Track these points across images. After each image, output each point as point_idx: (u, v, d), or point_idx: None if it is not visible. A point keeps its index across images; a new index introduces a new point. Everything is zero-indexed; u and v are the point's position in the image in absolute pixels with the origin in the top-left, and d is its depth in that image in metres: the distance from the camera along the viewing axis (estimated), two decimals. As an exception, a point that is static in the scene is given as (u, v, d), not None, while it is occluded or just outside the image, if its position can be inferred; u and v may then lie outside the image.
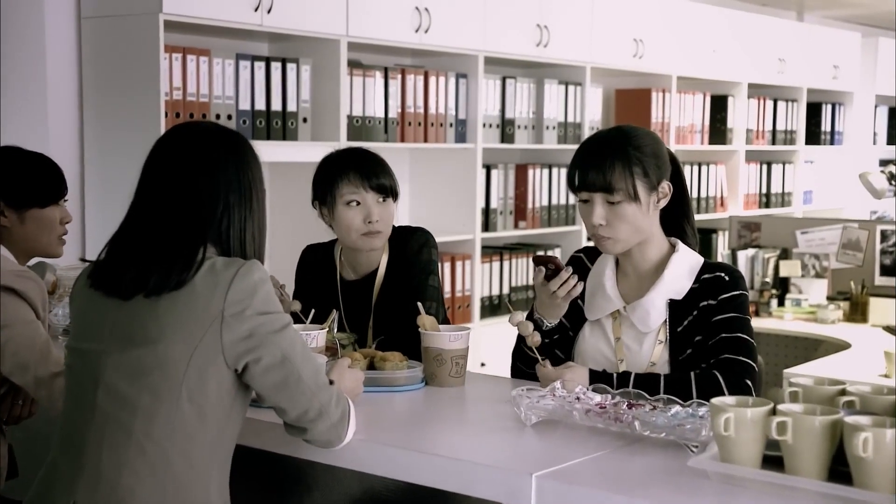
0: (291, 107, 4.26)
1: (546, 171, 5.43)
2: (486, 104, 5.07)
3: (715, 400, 1.82)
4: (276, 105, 4.22)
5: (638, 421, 2.02)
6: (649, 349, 2.46)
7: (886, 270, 5.28)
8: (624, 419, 2.06)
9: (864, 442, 1.60)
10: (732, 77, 6.57)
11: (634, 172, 2.39)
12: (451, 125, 4.92)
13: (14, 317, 2.38)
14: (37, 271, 2.85)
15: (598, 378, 2.35)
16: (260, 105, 4.17)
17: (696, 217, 2.71)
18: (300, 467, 2.31)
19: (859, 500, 1.63)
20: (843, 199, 7.65)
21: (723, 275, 2.45)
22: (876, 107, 7.99)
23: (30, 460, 2.51)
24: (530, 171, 5.35)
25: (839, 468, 1.68)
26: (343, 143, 4.29)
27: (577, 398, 2.16)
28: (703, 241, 6.31)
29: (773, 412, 1.75)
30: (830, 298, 5.23)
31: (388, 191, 2.84)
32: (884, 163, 6.67)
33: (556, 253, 5.47)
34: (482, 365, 4.83)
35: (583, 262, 2.63)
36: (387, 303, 2.86)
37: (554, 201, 5.49)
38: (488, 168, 5.16)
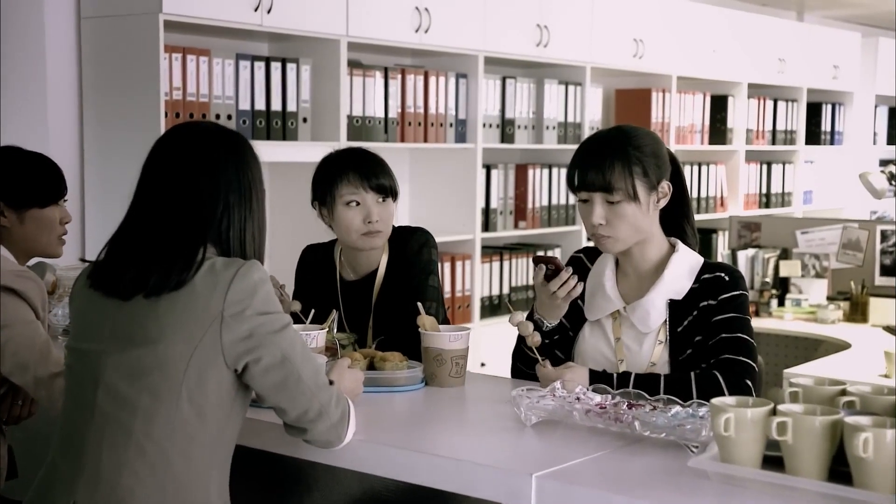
0: (291, 107, 4.26)
1: (546, 171, 5.43)
2: (486, 104, 5.07)
3: (715, 400, 1.81)
4: (276, 105, 4.22)
5: (638, 421, 2.02)
6: (649, 349, 2.46)
7: (886, 270, 5.28)
8: (624, 419, 2.06)
9: (865, 442, 1.60)
10: (732, 77, 6.57)
11: (634, 172, 2.39)
12: (451, 125, 4.92)
13: (14, 317, 2.38)
14: (36, 271, 2.85)
15: (598, 378, 2.35)
16: (260, 105, 4.17)
17: (696, 217, 2.71)
18: (300, 467, 2.31)
19: (859, 500, 1.63)
20: (843, 199, 7.65)
21: (723, 275, 2.45)
22: (876, 107, 7.99)
23: (29, 460, 2.51)
24: (530, 171, 5.35)
25: (839, 468, 1.68)
26: (343, 143, 4.29)
27: (577, 398, 2.16)
28: (703, 241, 6.31)
29: (774, 412, 1.75)
30: (830, 298, 5.23)
31: (388, 191, 2.84)
32: (884, 163, 6.67)
33: (556, 253, 5.47)
34: (482, 365, 4.83)
35: (582, 262, 2.63)
36: (387, 303, 2.86)
37: (554, 201, 5.49)
38: (488, 168, 5.16)
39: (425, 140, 4.82)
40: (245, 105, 4.12)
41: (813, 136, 7.43)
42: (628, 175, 2.38)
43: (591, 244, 2.56)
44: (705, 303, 2.43)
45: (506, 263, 5.27)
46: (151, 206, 1.94)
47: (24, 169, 2.62)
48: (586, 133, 5.48)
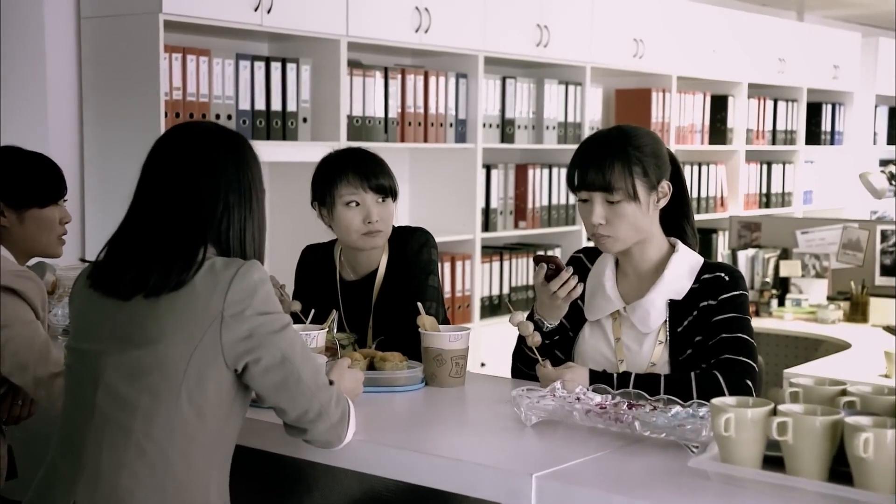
0: (291, 107, 4.26)
1: (546, 171, 5.43)
2: (486, 104, 5.07)
3: (715, 400, 1.81)
4: (276, 105, 4.22)
5: (638, 421, 2.02)
6: (649, 349, 2.46)
7: (887, 270, 5.28)
8: (624, 419, 2.06)
9: (865, 442, 1.60)
10: (732, 77, 6.57)
11: (634, 172, 2.39)
12: (451, 125, 4.92)
13: (14, 317, 2.38)
14: (36, 271, 2.85)
15: (599, 378, 2.35)
16: (260, 105, 4.17)
17: (696, 217, 2.71)
18: (300, 467, 2.30)
19: (860, 500, 1.63)
20: (844, 199, 7.65)
21: (723, 275, 2.45)
22: (876, 107, 7.99)
23: (29, 461, 2.51)
24: (530, 171, 5.35)
25: (840, 468, 1.68)
26: (343, 143, 4.29)
27: (578, 398, 2.16)
28: (703, 241, 6.31)
29: (774, 412, 1.75)
30: (831, 298, 5.23)
31: (388, 191, 2.84)
32: (884, 163, 6.67)
33: (557, 253, 5.46)
34: (482, 365, 4.83)
35: (582, 262, 2.63)
36: (387, 303, 2.86)
37: (554, 201, 5.48)
38: (488, 168, 5.16)
39: (425, 140, 4.82)
40: (245, 105, 4.12)
41: (813, 136, 7.43)
42: (628, 175, 2.38)
43: (591, 244, 2.56)
44: (705, 303, 2.43)
45: (506, 263, 5.27)
46: (151, 207, 1.94)
47: (23, 169, 2.62)
48: (586, 133, 5.48)
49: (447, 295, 4.87)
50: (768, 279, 5.39)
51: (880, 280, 5.26)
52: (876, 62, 7.80)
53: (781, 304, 5.30)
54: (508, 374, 2.69)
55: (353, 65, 4.47)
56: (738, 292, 2.43)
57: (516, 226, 5.34)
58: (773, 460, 1.75)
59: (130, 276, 1.89)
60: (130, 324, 1.88)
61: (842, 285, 5.28)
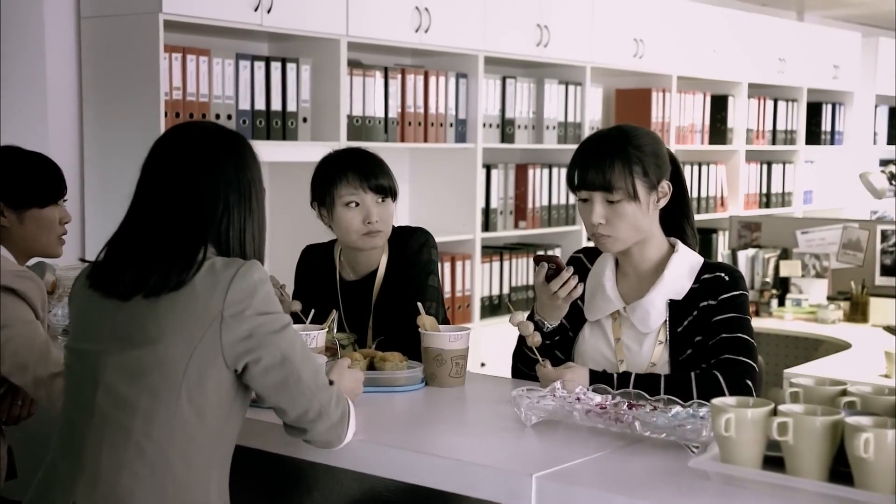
0: (291, 107, 4.26)
1: (546, 171, 5.43)
2: (486, 104, 5.06)
3: (715, 400, 1.81)
4: (276, 105, 4.22)
5: (638, 421, 2.02)
6: (649, 350, 2.45)
7: (887, 270, 5.27)
8: (624, 420, 2.06)
9: (866, 443, 1.60)
10: (732, 77, 6.57)
11: (634, 171, 2.39)
12: (451, 125, 4.92)
13: (13, 317, 2.38)
14: (36, 271, 2.85)
15: (599, 378, 2.35)
16: (260, 105, 4.17)
17: (696, 217, 2.71)
18: (300, 468, 2.30)
19: (860, 500, 1.63)
20: (844, 199, 7.65)
21: (723, 275, 2.45)
22: (876, 107, 7.99)
23: (29, 461, 2.51)
24: (530, 171, 5.35)
25: (840, 469, 1.68)
26: (343, 143, 4.29)
27: (578, 398, 2.16)
28: (703, 241, 6.31)
29: (774, 413, 1.75)
30: (831, 298, 5.23)
31: (387, 191, 2.83)
32: (884, 163, 6.67)
33: (557, 253, 5.46)
34: (482, 365, 4.83)
35: (582, 262, 2.63)
36: (386, 303, 2.86)
37: (554, 201, 5.48)
38: (488, 168, 5.16)
39: (425, 140, 4.82)
40: (245, 105, 4.12)
41: (813, 136, 7.43)
42: (628, 174, 2.38)
43: (591, 244, 2.56)
44: (705, 303, 2.43)
45: (506, 263, 5.26)
46: (151, 207, 1.94)
47: (23, 169, 2.62)
48: (586, 133, 5.48)
49: (447, 295, 4.87)
50: (768, 279, 5.39)
51: (880, 280, 5.26)
52: (876, 62, 7.80)
53: (781, 304, 5.30)
54: (508, 374, 2.69)
55: (353, 65, 4.47)
56: (738, 292, 2.43)
57: (516, 226, 5.34)
58: (774, 460, 1.75)
59: (130, 276, 1.89)
60: (130, 324, 1.88)
61: (842, 285, 5.28)
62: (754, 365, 2.37)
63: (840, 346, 4.63)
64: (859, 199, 7.20)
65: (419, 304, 2.61)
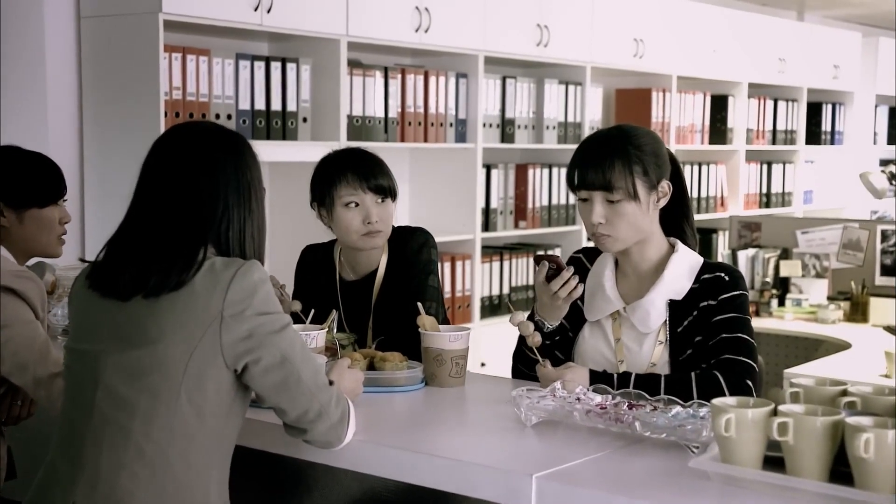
0: (291, 107, 4.26)
1: (546, 171, 5.43)
2: (486, 104, 5.06)
3: (716, 400, 1.81)
4: (276, 105, 4.21)
5: (639, 422, 2.02)
6: (649, 350, 2.45)
7: (887, 270, 5.27)
8: (624, 420, 2.06)
9: (866, 443, 1.60)
10: (732, 77, 6.57)
11: (634, 171, 2.38)
12: (451, 125, 4.92)
13: (13, 317, 2.37)
14: (36, 271, 2.85)
15: (599, 378, 2.35)
16: (260, 105, 4.16)
17: (696, 217, 2.71)
18: (300, 468, 2.30)
19: (861, 500, 1.63)
20: (844, 199, 7.65)
21: (723, 275, 2.45)
22: (876, 106, 7.99)
23: (29, 461, 2.51)
24: (530, 171, 5.35)
25: (840, 469, 1.68)
26: (343, 142, 4.29)
27: (578, 399, 2.16)
28: (704, 241, 6.31)
29: (775, 413, 1.74)
30: (831, 298, 5.23)
31: (387, 191, 2.83)
32: (884, 162, 6.66)
33: (557, 253, 5.45)
34: (482, 365, 4.83)
35: (582, 262, 2.63)
36: (386, 303, 2.86)
37: (554, 201, 5.48)
38: (488, 168, 5.16)
39: (425, 140, 4.82)
40: (245, 105, 4.12)
41: (813, 136, 7.43)
42: (628, 174, 2.38)
43: (591, 244, 2.56)
44: (705, 303, 2.42)
45: (506, 263, 5.26)
46: (151, 207, 1.94)
47: (23, 169, 2.62)
48: (586, 133, 5.48)
49: (447, 295, 4.87)
50: (768, 279, 5.39)
51: (880, 280, 5.26)
52: (876, 62, 7.80)
53: (782, 304, 5.30)
54: (508, 374, 2.69)
55: (353, 64, 4.47)
56: (738, 292, 2.43)
57: (516, 226, 5.34)
58: (774, 461, 1.75)
59: (130, 277, 1.89)
60: (130, 324, 1.88)
61: (842, 285, 5.28)
62: (754, 365, 2.37)
63: (840, 346, 4.63)
64: (859, 199, 7.20)
65: (419, 304, 2.60)
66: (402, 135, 4.72)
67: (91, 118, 4.00)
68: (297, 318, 2.61)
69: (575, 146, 2.52)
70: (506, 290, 5.26)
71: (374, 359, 2.54)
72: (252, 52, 4.23)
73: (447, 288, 4.89)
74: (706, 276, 2.46)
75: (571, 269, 2.48)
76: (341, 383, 2.15)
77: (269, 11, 4.03)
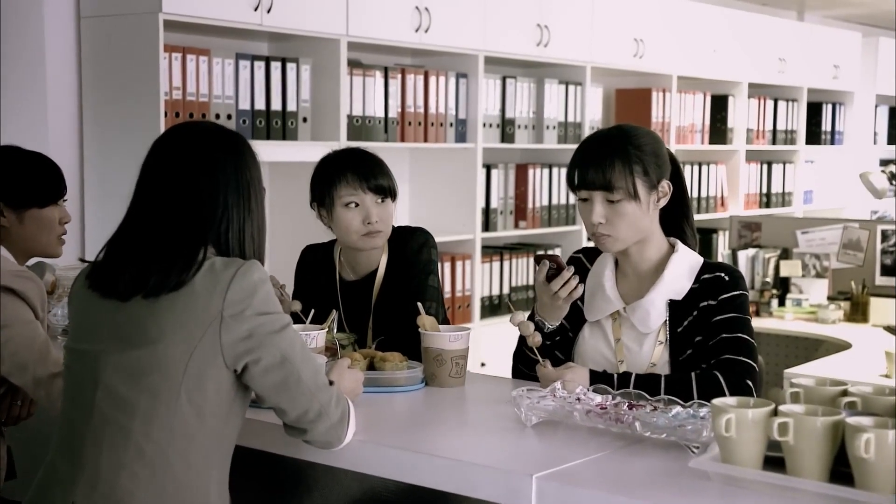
0: (291, 106, 4.25)
1: (546, 171, 5.43)
2: (486, 104, 5.06)
3: (716, 401, 1.81)
4: (276, 105, 4.21)
5: (639, 422, 2.02)
6: (649, 350, 2.45)
7: (887, 270, 5.27)
8: (625, 420, 2.06)
9: (866, 443, 1.60)
10: (733, 77, 6.57)
11: (634, 171, 2.38)
12: (451, 125, 4.92)
13: (13, 317, 2.37)
14: (36, 271, 2.85)
15: (599, 378, 2.35)
16: (260, 105, 4.16)
17: (696, 217, 2.71)
18: (300, 468, 2.30)
19: (861, 501, 1.63)
20: (844, 199, 7.65)
21: (723, 275, 2.44)
22: (876, 106, 7.99)
23: (29, 461, 2.51)
24: (530, 171, 5.35)
25: (841, 469, 1.68)
26: (343, 142, 4.29)
27: (578, 399, 2.16)
28: (704, 241, 6.31)
29: (775, 413, 1.74)
30: (831, 298, 5.23)
31: (387, 191, 2.83)
32: (884, 162, 6.66)
33: (557, 253, 5.45)
34: (482, 365, 4.83)
35: (582, 262, 2.63)
36: (386, 303, 2.86)
37: (554, 201, 5.48)
38: (488, 168, 5.16)
39: (425, 140, 4.82)
40: (245, 105, 4.12)
41: (813, 136, 7.43)
42: (629, 174, 2.38)
43: (591, 244, 2.56)
44: (705, 303, 2.42)
45: (506, 263, 5.26)
46: (150, 207, 1.94)
47: (23, 169, 2.62)
48: (586, 133, 5.48)
49: (447, 295, 4.87)
50: (768, 279, 5.39)
51: (881, 280, 5.26)
52: (876, 62, 7.80)
53: (782, 304, 5.30)
54: (508, 374, 2.69)
55: (353, 64, 4.47)
56: (738, 292, 2.43)
57: (516, 226, 5.34)
58: (774, 461, 1.75)
59: (129, 277, 1.89)
60: (130, 324, 1.88)
61: (842, 285, 5.28)
62: (754, 365, 2.37)
63: (840, 346, 4.63)
64: (859, 199, 7.20)
65: (419, 304, 2.60)
66: (402, 135, 4.72)
67: (91, 118, 4.00)
68: (297, 318, 2.61)
69: (575, 146, 2.52)
70: (506, 290, 5.26)
71: (374, 359, 2.54)
72: (252, 52, 4.23)
73: (447, 288, 4.89)
74: (706, 276, 2.46)
75: (572, 269, 2.48)
76: (341, 383, 2.15)
77: (269, 11, 4.03)
